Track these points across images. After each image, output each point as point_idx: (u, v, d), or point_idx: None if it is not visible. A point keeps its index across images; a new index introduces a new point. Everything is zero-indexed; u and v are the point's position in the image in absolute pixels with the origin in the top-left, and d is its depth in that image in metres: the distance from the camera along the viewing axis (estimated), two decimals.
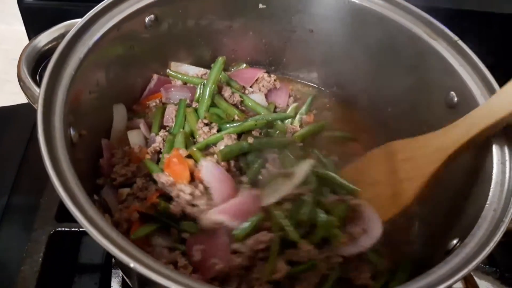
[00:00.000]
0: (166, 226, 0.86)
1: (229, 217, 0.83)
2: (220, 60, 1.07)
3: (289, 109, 1.16)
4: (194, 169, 0.91)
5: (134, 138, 1.01)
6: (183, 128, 1.02)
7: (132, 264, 0.56)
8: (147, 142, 1.02)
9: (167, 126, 1.05)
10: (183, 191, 0.86)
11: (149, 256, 0.58)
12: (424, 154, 0.87)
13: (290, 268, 0.81)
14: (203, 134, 1.00)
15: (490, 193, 0.75)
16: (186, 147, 0.96)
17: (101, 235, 0.58)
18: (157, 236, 0.85)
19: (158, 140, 0.99)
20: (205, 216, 0.83)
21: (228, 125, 1.02)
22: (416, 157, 0.89)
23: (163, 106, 1.09)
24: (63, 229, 1.01)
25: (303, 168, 0.93)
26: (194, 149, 0.94)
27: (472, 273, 1.12)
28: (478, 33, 1.05)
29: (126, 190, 0.90)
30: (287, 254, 0.83)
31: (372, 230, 0.88)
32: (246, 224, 0.83)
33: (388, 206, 0.91)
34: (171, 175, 0.89)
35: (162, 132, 1.01)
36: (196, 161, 0.93)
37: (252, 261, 0.82)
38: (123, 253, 0.56)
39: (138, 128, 1.03)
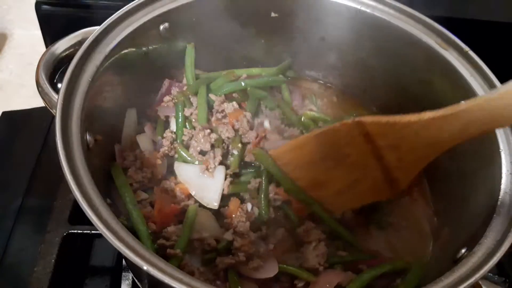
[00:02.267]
0: None
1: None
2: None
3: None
4: None
5: (144, 142, 1.01)
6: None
7: (145, 267, 0.57)
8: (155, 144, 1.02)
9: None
10: None
11: (162, 259, 0.60)
12: (411, 148, 0.76)
13: None
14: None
15: (499, 203, 0.76)
16: None
17: (116, 238, 0.59)
18: None
19: (165, 144, 0.99)
20: None
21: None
22: (402, 148, 0.77)
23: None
24: (75, 231, 1.03)
25: None
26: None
27: (480, 283, 1.11)
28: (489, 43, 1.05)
29: (143, 194, 0.92)
30: None
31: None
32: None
33: (381, 189, 0.87)
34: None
35: (168, 133, 1.01)
36: None
37: None
38: (137, 256, 0.58)
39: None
